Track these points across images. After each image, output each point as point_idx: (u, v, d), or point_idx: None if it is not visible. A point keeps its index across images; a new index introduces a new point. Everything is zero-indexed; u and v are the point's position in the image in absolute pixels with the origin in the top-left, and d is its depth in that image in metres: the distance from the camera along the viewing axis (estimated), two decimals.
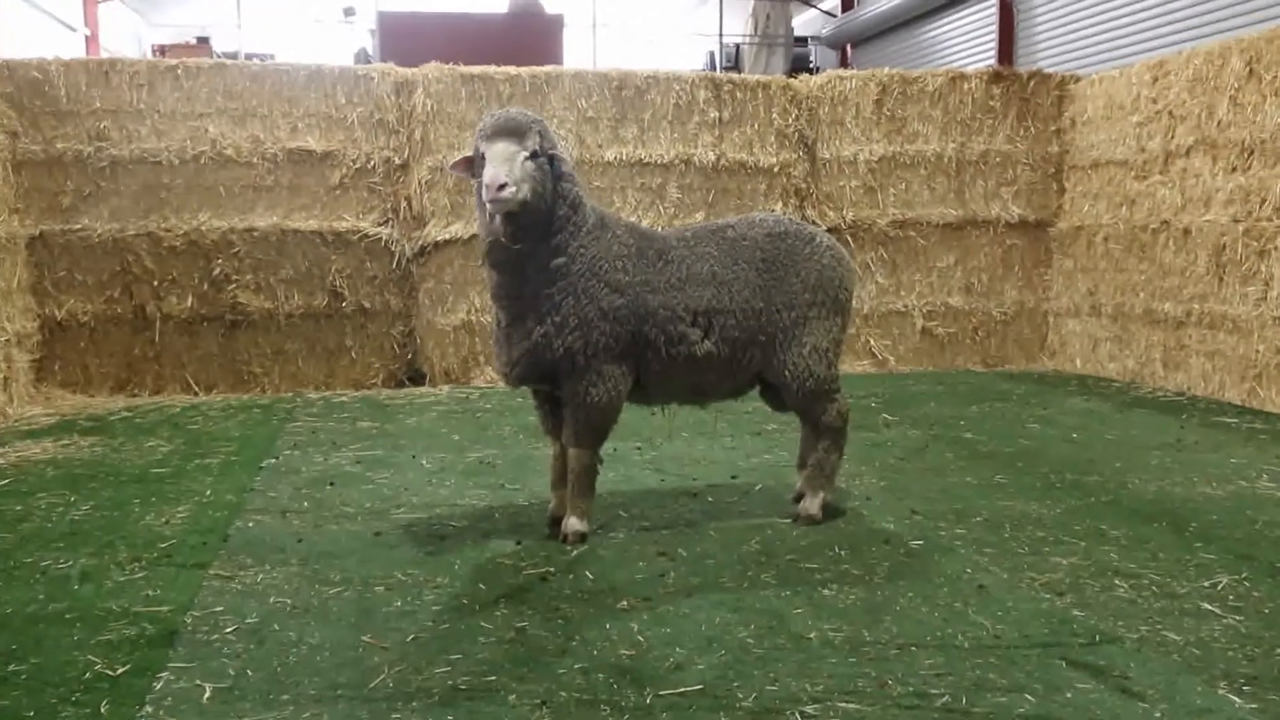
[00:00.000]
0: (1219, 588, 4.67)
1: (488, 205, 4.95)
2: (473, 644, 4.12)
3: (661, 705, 3.60)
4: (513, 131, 4.99)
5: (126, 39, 27.44)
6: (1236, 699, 3.59)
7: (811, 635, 4.18)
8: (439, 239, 10.75)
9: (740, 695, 3.66)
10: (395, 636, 4.19)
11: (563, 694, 3.69)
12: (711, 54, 27.94)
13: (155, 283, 10.24)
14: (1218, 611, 4.39)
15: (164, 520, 5.83)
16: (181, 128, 10.30)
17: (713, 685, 3.75)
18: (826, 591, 4.67)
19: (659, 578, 4.90)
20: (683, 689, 3.72)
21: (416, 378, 10.96)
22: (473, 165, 5.14)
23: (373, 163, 10.69)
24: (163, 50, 16.44)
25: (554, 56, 16.09)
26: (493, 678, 3.82)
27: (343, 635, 4.21)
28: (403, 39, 15.78)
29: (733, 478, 6.76)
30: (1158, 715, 3.49)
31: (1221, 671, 3.82)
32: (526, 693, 3.70)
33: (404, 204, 10.79)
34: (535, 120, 5.11)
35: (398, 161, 10.76)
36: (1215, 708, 3.54)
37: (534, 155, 5.01)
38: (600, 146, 11.16)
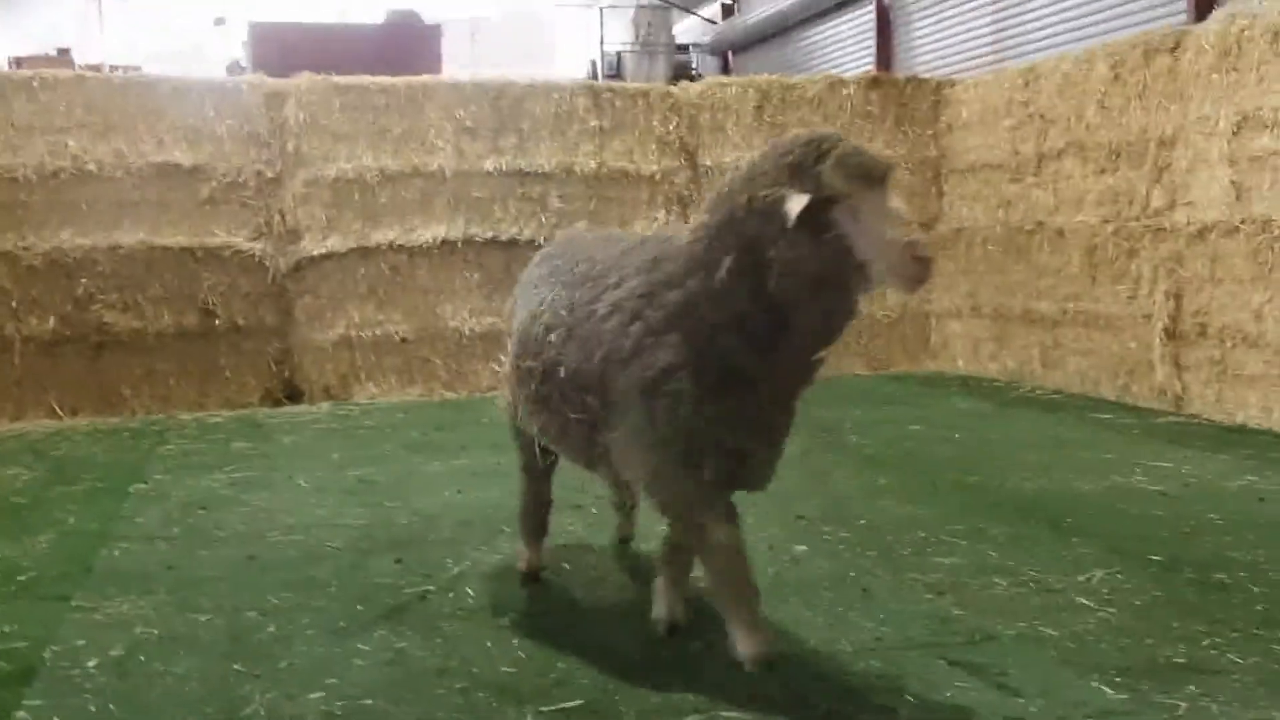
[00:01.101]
0: (1093, 581, 4.79)
1: (900, 279, 3.46)
2: (348, 668, 4.05)
3: None
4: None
5: None
6: (1109, 690, 3.69)
7: (695, 645, 4.19)
8: (314, 253, 10.57)
9: (623, 708, 3.66)
10: (267, 664, 4.10)
11: (440, 714, 3.65)
12: (593, 62, 28.01)
13: (14, 304, 9.85)
14: (1092, 605, 4.51)
15: (22, 551, 5.62)
16: (39, 142, 9.95)
17: (595, 699, 3.73)
18: (710, 600, 4.68)
19: (541, 592, 4.87)
20: (564, 704, 3.70)
21: (294, 395, 10.74)
22: (819, 218, 3.40)
23: (244, 176, 10.45)
24: (19, 62, 15.92)
25: (431, 66, 15.95)
26: (368, 702, 3.75)
27: (212, 664, 4.11)
28: (275, 49, 15.52)
29: None
30: (1034, 710, 3.58)
31: (1095, 664, 3.92)
32: (403, 715, 3.65)
33: (277, 218, 10.58)
34: None
35: (270, 175, 10.54)
36: (1089, 700, 3.63)
37: None
38: (479, 157, 11.05)
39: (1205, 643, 4.08)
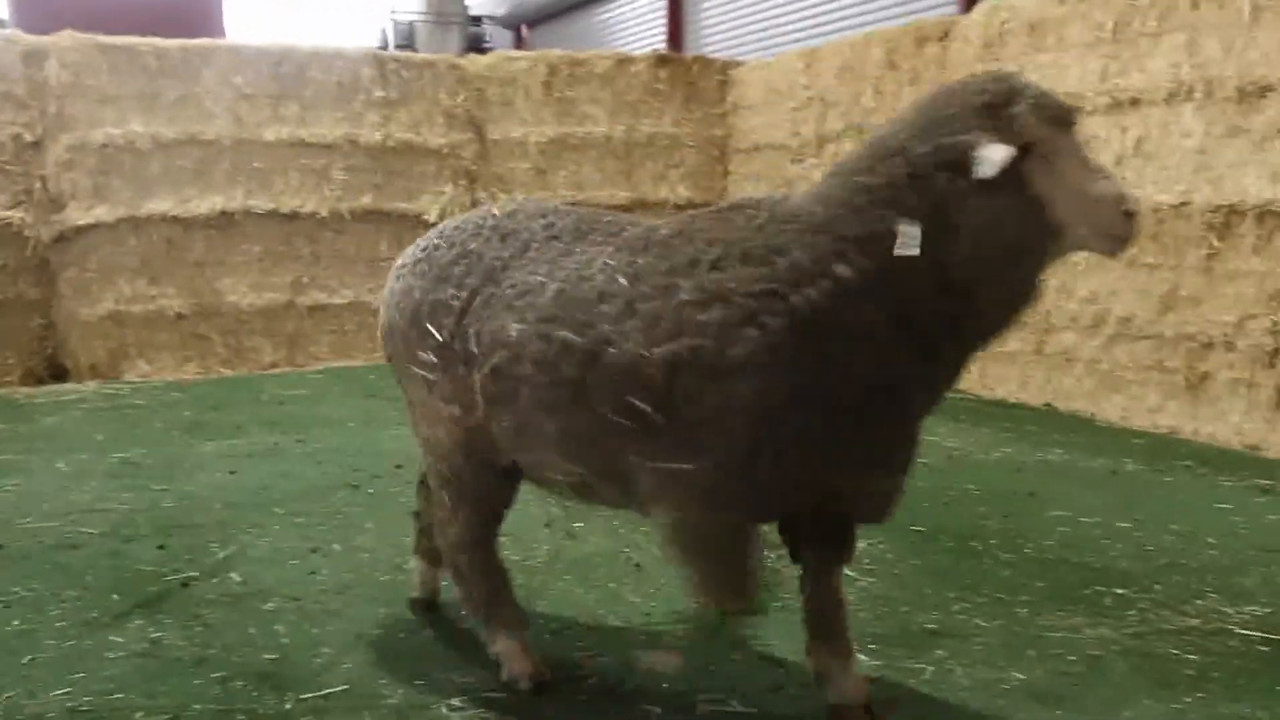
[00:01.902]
0: (856, 552, 4.92)
1: (1106, 239, 2.87)
2: (99, 661, 3.87)
3: (302, 709, 3.50)
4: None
5: None
6: (864, 657, 3.80)
7: (463, 624, 4.14)
8: (80, 224, 10.04)
9: (386, 693, 3.61)
10: (10, 660, 3.88)
11: (196, 706, 3.53)
12: (384, 31, 27.42)
13: None
14: (854, 575, 4.63)
15: None
16: None
17: (358, 684, 3.67)
18: None
19: (309, 575, 4.76)
20: (326, 691, 3.63)
21: (59, 374, 10.22)
22: (1015, 171, 2.78)
23: (0, 140, 9.87)
24: None
25: (213, 30, 15.36)
26: (119, 695, 3.60)
27: None
28: (41, 6, 14.72)
29: (397, 467, 6.63)
30: (792, 679, 3.68)
31: (854, 633, 4.03)
32: (156, 708, 3.51)
33: (38, 185, 10.01)
34: None
35: (29, 139, 9.96)
36: None
37: None
38: (259, 126, 10.71)
39: (956, 608, 4.27)
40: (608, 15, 22.68)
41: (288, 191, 10.81)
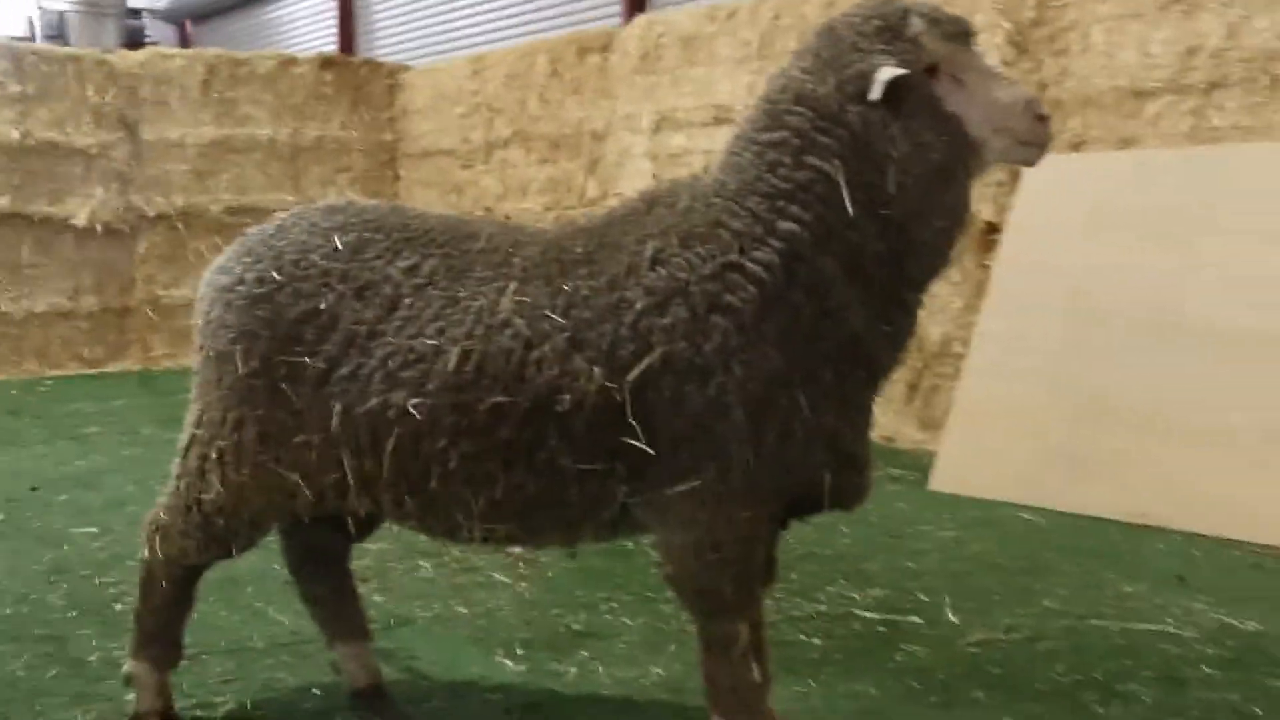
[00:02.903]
0: (511, 559, 4.96)
1: (1022, 147, 2.78)
2: None
3: None
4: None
5: None
6: (510, 663, 3.85)
7: (93, 657, 3.92)
8: None
9: None
10: None
11: None
12: (31, 20, 25.60)
13: None
14: (508, 581, 4.68)
15: None
16: None
17: None
18: (120, 608, 4.38)
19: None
20: None
21: None
22: (923, 93, 2.68)
23: None
24: None
25: None
26: None
27: None
28: None
29: (33, 489, 6.21)
30: (438, 689, 3.66)
31: (502, 639, 4.06)
32: None
33: None
34: None
35: None
36: (490, 674, 3.76)
37: None
38: None
39: (603, 608, 4.35)
40: (279, 12, 21.93)
41: None
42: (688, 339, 2.68)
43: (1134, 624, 4.13)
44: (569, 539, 3.07)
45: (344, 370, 2.88)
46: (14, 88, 10.32)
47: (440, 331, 2.81)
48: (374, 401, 2.84)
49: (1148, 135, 6.13)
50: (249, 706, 3.56)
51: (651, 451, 2.71)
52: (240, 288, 3.03)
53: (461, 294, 2.85)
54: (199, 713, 3.50)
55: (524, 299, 2.77)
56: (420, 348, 2.81)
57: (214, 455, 3.08)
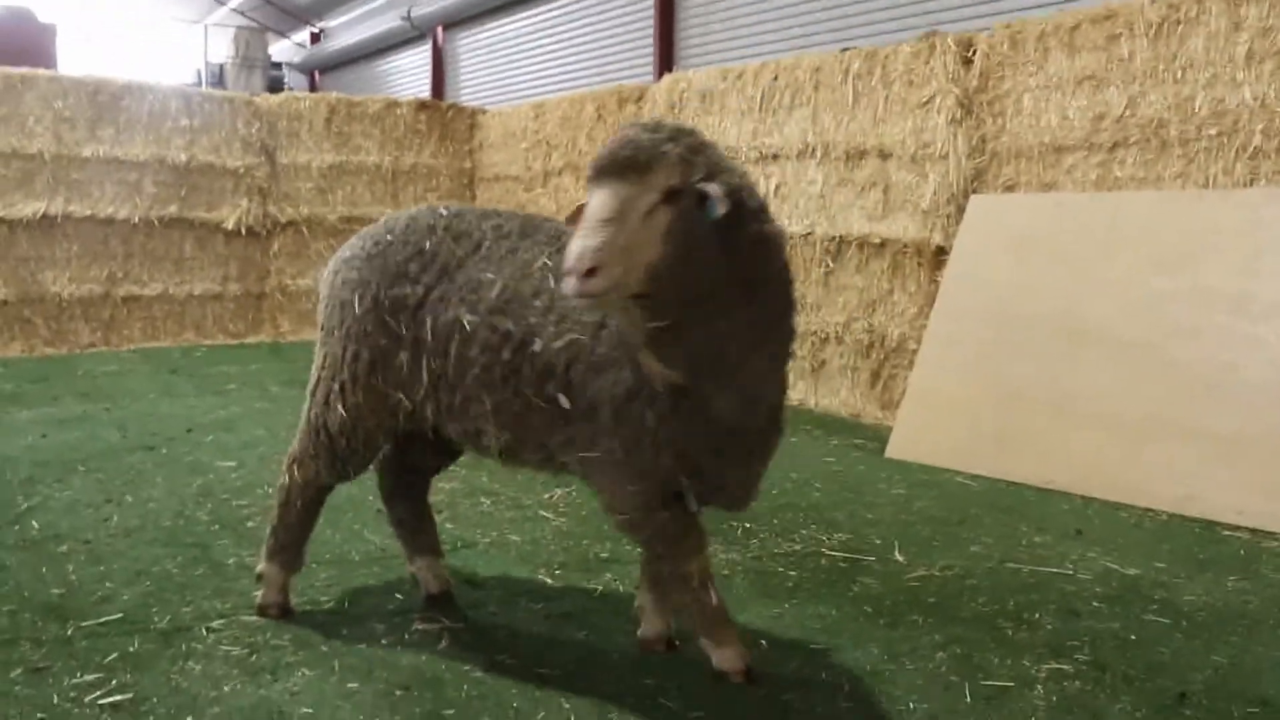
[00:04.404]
0: (553, 498, 4.97)
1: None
2: None
3: (81, 635, 3.27)
4: (629, 165, 2.44)
5: None
6: (549, 580, 3.89)
7: (230, 561, 3.96)
8: None
9: (156, 619, 3.41)
10: None
11: None
12: (199, 71, 25.75)
13: None
14: (550, 516, 4.69)
15: None
16: None
17: (132, 613, 3.45)
18: (252, 525, 4.44)
19: (102, 522, 4.43)
20: (104, 619, 3.39)
21: None
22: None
23: None
24: None
25: (45, 62, 13.95)
26: None
27: None
28: None
29: (188, 431, 6.27)
30: (493, 598, 3.67)
31: (543, 561, 4.09)
32: None
33: None
34: (676, 136, 2.50)
35: None
36: (533, 588, 3.80)
37: (671, 198, 2.44)
38: (78, 144, 9.84)
39: (625, 541, 4.33)
40: (387, 66, 22.01)
41: (104, 200, 9.99)
42: (592, 336, 2.77)
43: (1041, 567, 4.12)
44: (545, 461, 3.03)
45: (436, 294, 3.04)
46: (184, 121, 10.35)
47: (497, 270, 3.00)
48: (450, 314, 3.00)
49: (1065, 181, 6.07)
50: (346, 605, 3.59)
51: (568, 407, 2.80)
52: (360, 252, 3.20)
53: (521, 247, 3.03)
54: (308, 607, 3.55)
55: (547, 262, 2.93)
56: (482, 278, 3.00)
57: (336, 387, 3.21)
